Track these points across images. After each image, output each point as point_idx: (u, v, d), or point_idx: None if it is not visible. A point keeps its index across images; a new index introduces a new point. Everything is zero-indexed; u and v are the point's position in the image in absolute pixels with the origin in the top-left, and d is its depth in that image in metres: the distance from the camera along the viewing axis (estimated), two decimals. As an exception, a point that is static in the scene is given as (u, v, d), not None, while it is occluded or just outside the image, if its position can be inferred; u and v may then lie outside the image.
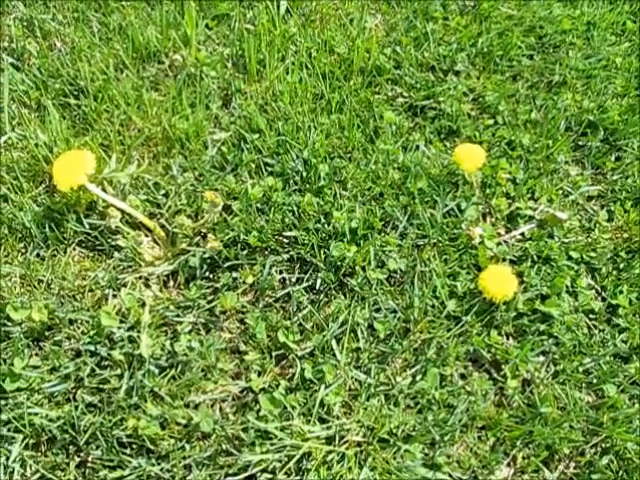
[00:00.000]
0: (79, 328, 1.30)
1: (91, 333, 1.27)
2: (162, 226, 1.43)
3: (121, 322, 1.30)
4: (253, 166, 1.47)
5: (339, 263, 1.37)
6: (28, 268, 1.34)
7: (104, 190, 1.39)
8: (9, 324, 1.28)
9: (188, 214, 1.42)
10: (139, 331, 1.29)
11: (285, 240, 1.40)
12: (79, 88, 1.54)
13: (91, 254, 1.39)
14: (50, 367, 1.25)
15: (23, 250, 1.38)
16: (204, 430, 1.19)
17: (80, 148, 1.44)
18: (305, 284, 1.36)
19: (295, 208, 1.41)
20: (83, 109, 1.52)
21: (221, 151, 1.49)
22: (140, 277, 1.38)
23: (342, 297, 1.36)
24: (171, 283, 1.39)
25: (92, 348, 1.27)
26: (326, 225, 1.40)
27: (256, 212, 1.40)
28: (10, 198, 1.41)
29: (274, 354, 1.30)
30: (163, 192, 1.44)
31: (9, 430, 1.19)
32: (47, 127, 1.47)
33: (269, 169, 1.47)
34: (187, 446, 1.20)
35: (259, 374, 1.29)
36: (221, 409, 1.27)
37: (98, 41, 1.62)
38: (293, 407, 1.24)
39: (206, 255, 1.36)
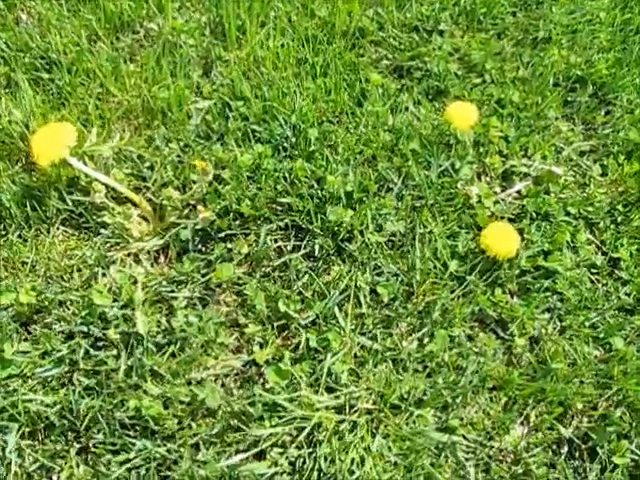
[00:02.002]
0: (69, 309, 1.23)
1: (83, 314, 1.21)
2: (149, 200, 1.36)
3: (113, 301, 1.23)
4: (240, 134, 1.41)
5: (336, 228, 1.32)
6: (10, 250, 1.27)
7: (85, 165, 1.33)
8: (-5, 312, 1.21)
9: (175, 186, 1.36)
10: (133, 309, 1.23)
11: (279, 207, 1.35)
12: (51, 62, 1.47)
13: (76, 232, 1.33)
14: (42, 351, 1.18)
15: (3, 232, 1.30)
16: (210, 406, 1.14)
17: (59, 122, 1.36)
18: (303, 251, 1.32)
19: (287, 174, 1.36)
20: (57, 83, 1.44)
21: (206, 120, 1.43)
22: (129, 254, 1.32)
23: (341, 263, 1.32)
24: (162, 259, 1.33)
25: (85, 329, 1.20)
26: (320, 190, 1.36)
27: (246, 180, 1.34)
28: (-16, 179, 1.34)
29: (275, 325, 1.26)
30: (148, 165, 1.38)
31: (3, 419, 1.12)
32: (21, 103, 1.39)
33: (257, 136, 1.42)
34: (193, 424, 1.15)
35: (261, 346, 1.24)
36: (224, 385, 1.22)
37: (66, 12, 1.54)
38: (300, 377, 1.19)
39: (198, 227, 1.30)
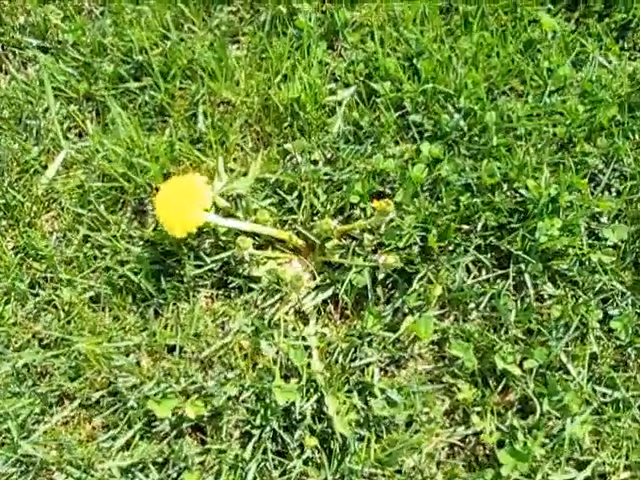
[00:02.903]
0: (238, 399, 0.99)
1: (262, 412, 0.97)
2: (297, 233, 1.09)
3: (286, 379, 0.99)
4: (395, 128, 1.10)
5: (545, 247, 1.04)
6: (150, 334, 1.01)
7: (218, 209, 1.03)
8: (156, 423, 0.97)
9: (331, 214, 1.08)
10: (315, 389, 0.99)
11: (468, 228, 1.06)
12: (137, 65, 1.13)
13: (220, 292, 1.06)
14: (227, 467, 0.96)
15: (134, 309, 1.04)
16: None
17: (165, 154, 1.05)
18: (508, 282, 1.05)
19: (472, 181, 1.06)
20: (150, 93, 1.12)
21: (351, 117, 1.11)
22: (288, 311, 1.06)
23: (553, 288, 1.05)
24: (330, 307, 1.07)
25: (269, 434, 0.97)
26: (514, 197, 1.07)
27: (424, 201, 1.05)
28: (95, 239, 1.05)
29: (491, 382, 1.02)
30: (291, 191, 1.08)
31: None
32: (114, 130, 1.08)
33: (417, 129, 1.10)
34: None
35: (479, 415, 1.01)
36: (440, 463, 1.00)
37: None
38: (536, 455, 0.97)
39: (380, 274, 1.03)
